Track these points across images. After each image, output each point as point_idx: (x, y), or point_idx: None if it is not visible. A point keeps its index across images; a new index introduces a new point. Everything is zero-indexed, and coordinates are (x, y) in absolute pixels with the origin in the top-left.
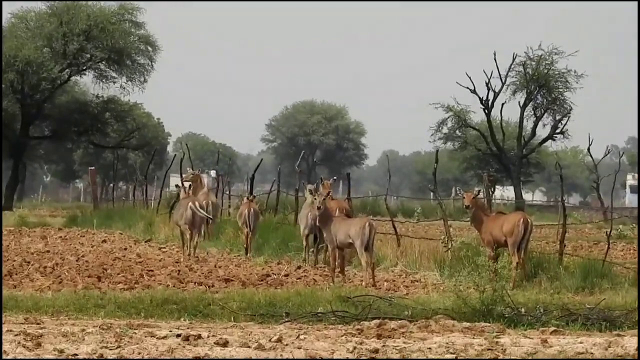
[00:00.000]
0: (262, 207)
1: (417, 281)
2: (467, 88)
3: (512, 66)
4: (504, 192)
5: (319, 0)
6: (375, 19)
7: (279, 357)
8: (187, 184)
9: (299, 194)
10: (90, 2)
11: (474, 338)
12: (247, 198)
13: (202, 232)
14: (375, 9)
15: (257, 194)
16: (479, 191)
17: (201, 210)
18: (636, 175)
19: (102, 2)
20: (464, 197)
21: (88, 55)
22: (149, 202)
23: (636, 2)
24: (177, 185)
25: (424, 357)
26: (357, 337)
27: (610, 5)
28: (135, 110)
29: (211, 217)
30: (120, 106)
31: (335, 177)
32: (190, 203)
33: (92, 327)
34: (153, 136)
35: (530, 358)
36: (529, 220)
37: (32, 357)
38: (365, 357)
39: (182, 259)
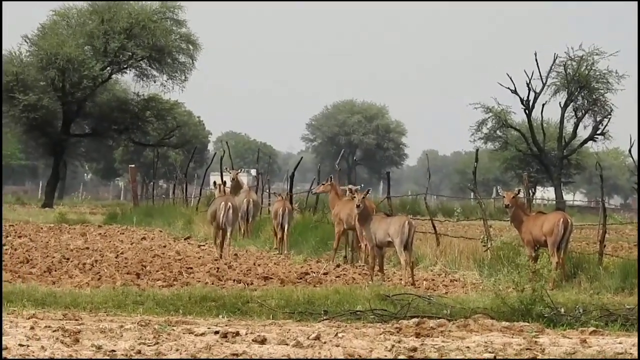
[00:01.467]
0: (301, 206)
1: (457, 280)
2: (508, 88)
3: (553, 67)
4: (545, 193)
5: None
6: (417, 18)
7: (317, 355)
8: (220, 182)
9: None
10: (132, 1)
11: (512, 337)
12: (281, 196)
13: (234, 231)
14: (418, 8)
15: (297, 193)
16: (519, 191)
17: (229, 213)
18: None
19: (143, 1)
20: (504, 197)
21: (129, 54)
22: (189, 200)
23: (636, 2)
24: (214, 183)
25: (462, 356)
26: (395, 335)
27: None
28: (175, 108)
29: (250, 217)
30: (161, 104)
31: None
32: (222, 202)
33: (131, 323)
34: (193, 134)
35: (569, 358)
36: (569, 220)
37: (69, 354)
38: (403, 356)
39: (221, 258)
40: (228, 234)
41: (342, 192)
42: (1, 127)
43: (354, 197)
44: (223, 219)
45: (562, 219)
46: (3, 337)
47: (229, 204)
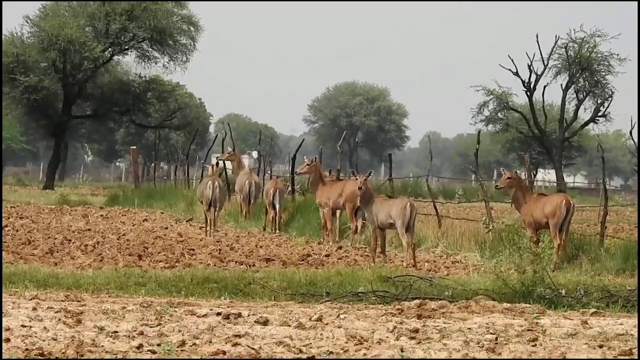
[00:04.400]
0: (303, 188)
1: (458, 262)
2: (509, 70)
3: (555, 49)
4: (546, 175)
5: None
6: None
7: (319, 336)
8: (214, 164)
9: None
10: None
11: (514, 319)
12: (276, 176)
13: (220, 209)
14: None
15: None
16: (516, 172)
17: (216, 192)
18: None
19: None
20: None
21: (130, 35)
22: (190, 182)
23: (636, 2)
24: (217, 163)
25: (464, 337)
26: (397, 317)
27: None
28: (177, 90)
29: (252, 198)
30: (162, 86)
31: (315, 157)
32: (209, 182)
33: (133, 304)
34: (195, 116)
35: (570, 339)
36: (571, 201)
37: (71, 335)
38: (405, 337)
39: (206, 236)
40: (215, 212)
41: (325, 175)
42: (1, 110)
43: (357, 178)
44: (210, 197)
45: (564, 201)
46: (6, 319)
47: (216, 182)
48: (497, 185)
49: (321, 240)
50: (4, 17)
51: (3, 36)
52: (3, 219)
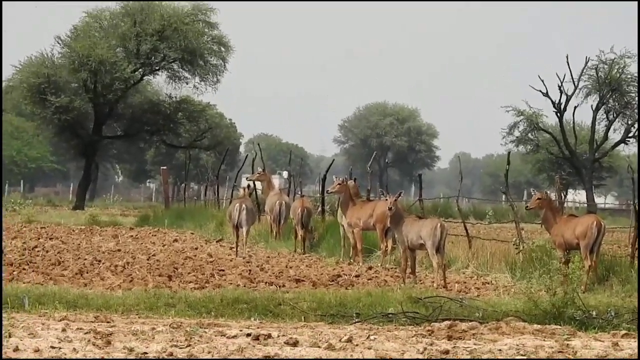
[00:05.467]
0: (333, 208)
1: (489, 283)
2: (540, 91)
3: (585, 70)
4: (576, 196)
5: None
6: (448, 20)
7: (349, 357)
8: (247, 185)
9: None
10: (164, 2)
11: (544, 340)
12: (302, 196)
13: (248, 231)
14: (447, 7)
15: (329, 195)
16: (546, 193)
17: (242, 214)
18: None
19: (175, 2)
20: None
21: (161, 55)
22: (221, 203)
23: (636, 2)
24: (248, 185)
25: (495, 358)
26: (427, 338)
27: None
28: (207, 110)
29: (282, 219)
30: (193, 106)
31: (355, 178)
32: (237, 204)
33: (162, 325)
34: (225, 136)
35: None
36: (602, 223)
37: (101, 356)
38: (435, 358)
39: (237, 256)
40: (244, 233)
41: (357, 194)
42: (1, 123)
43: (387, 199)
44: (237, 219)
45: (595, 222)
46: (36, 340)
47: (244, 205)
48: (527, 206)
49: (351, 260)
50: (36, 38)
51: (33, 57)
52: (34, 240)
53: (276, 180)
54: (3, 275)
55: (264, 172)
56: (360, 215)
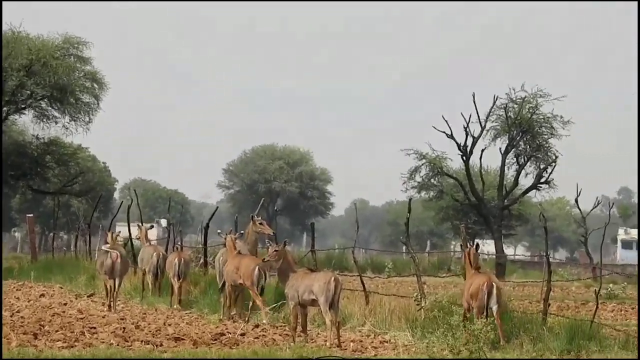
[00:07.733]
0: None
1: (387, 342)
2: (444, 132)
3: (493, 109)
4: (484, 247)
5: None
6: (342, 56)
7: None
8: (112, 231)
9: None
10: (32, 35)
11: None
12: (176, 247)
13: (121, 283)
14: (342, 43)
15: (212, 245)
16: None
17: (116, 263)
18: (628, 229)
19: (45, 35)
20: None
21: (28, 92)
22: (93, 253)
23: (636, 2)
24: (119, 232)
25: None
26: None
27: (603, 48)
28: (79, 153)
29: (159, 272)
30: (63, 148)
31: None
32: (110, 252)
33: None
34: (98, 181)
35: None
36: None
37: None
38: None
39: (108, 311)
40: (116, 285)
41: (236, 246)
42: (1, 139)
43: (274, 248)
44: (107, 269)
45: (486, 283)
46: None
47: (115, 253)
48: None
49: (233, 316)
50: None
51: None
52: None
53: (154, 231)
54: None
55: (140, 225)
56: (227, 270)
